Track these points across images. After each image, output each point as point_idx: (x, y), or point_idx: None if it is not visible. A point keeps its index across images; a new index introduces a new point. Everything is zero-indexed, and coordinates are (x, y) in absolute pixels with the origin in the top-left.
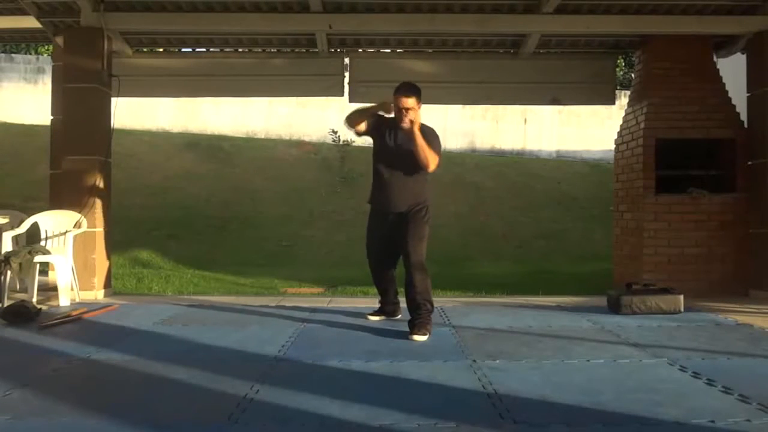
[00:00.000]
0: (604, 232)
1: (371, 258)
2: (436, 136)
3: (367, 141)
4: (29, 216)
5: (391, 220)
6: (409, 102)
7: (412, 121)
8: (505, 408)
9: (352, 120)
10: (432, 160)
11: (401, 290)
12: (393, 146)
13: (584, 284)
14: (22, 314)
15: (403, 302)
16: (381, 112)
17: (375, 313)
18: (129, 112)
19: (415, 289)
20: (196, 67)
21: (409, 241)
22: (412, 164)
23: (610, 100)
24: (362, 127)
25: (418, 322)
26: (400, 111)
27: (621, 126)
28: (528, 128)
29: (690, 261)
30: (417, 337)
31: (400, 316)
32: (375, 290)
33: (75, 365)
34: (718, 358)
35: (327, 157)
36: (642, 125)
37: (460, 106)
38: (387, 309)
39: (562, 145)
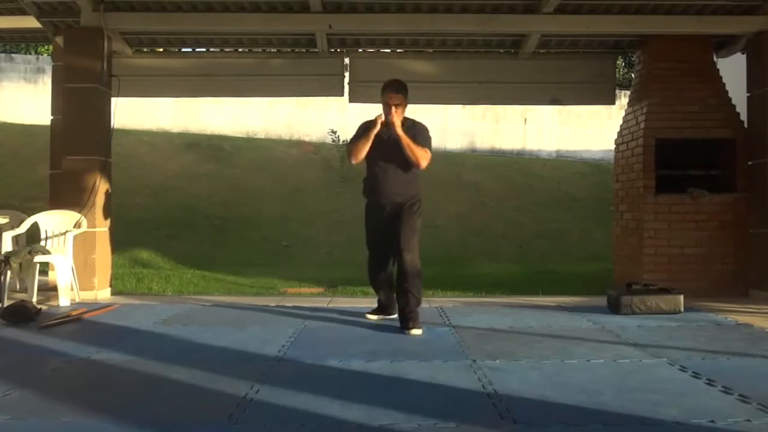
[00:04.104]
0: (604, 232)
1: (372, 251)
2: (426, 131)
3: None
4: (29, 216)
5: (387, 212)
6: (397, 99)
7: (394, 123)
8: (505, 408)
9: (355, 153)
10: (422, 158)
11: None
12: (385, 140)
13: (584, 284)
14: (22, 314)
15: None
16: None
17: (374, 312)
18: (129, 112)
19: (407, 283)
20: (196, 67)
21: (402, 235)
22: (405, 158)
23: (610, 100)
24: (365, 154)
25: (411, 316)
26: (389, 107)
27: (621, 126)
28: (528, 128)
29: (690, 261)
30: (414, 331)
31: (396, 315)
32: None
33: (75, 365)
34: (718, 358)
35: (327, 157)
36: (642, 125)
37: (460, 106)
38: (385, 307)
39: (562, 145)
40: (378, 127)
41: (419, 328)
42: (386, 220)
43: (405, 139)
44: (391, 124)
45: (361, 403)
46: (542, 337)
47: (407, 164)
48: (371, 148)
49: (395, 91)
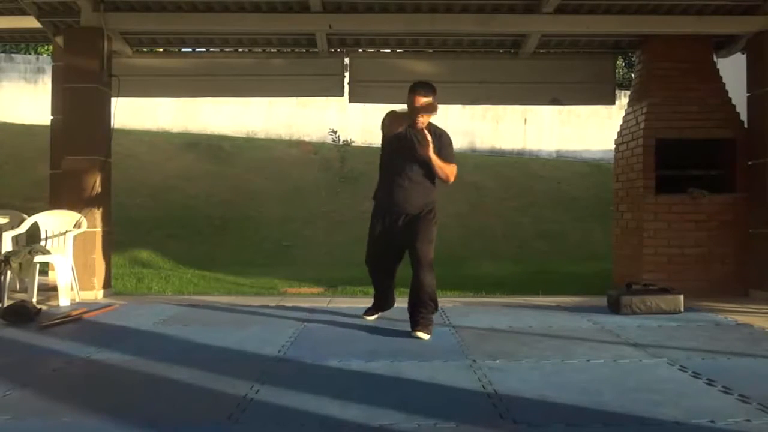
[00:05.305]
0: (604, 232)
1: (372, 258)
2: (451, 143)
3: (367, 141)
4: (29, 216)
5: (401, 221)
6: (424, 102)
7: (426, 151)
8: (505, 408)
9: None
10: (451, 174)
11: (401, 290)
12: (408, 148)
13: (584, 284)
14: (22, 314)
15: (401, 302)
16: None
17: (370, 313)
18: (129, 112)
19: (424, 288)
20: (196, 67)
21: (419, 242)
22: (426, 167)
23: (610, 100)
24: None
25: (422, 320)
26: (416, 111)
27: (621, 126)
28: (528, 128)
29: (690, 261)
30: (421, 334)
31: (393, 306)
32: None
33: (75, 365)
34: (718, 358)
35: (327, 157)
36: (642, 125)
37: (460, 106)
38: (381, 305)
39: (562, 145)
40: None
41: (427, 333)
42: (400, 229)
43: (436, 161)
44: (424, 151)
45: (361, 403)
46: (542, 337)
47: (427, 173)
48: (391, 155)
49: (425, 94)
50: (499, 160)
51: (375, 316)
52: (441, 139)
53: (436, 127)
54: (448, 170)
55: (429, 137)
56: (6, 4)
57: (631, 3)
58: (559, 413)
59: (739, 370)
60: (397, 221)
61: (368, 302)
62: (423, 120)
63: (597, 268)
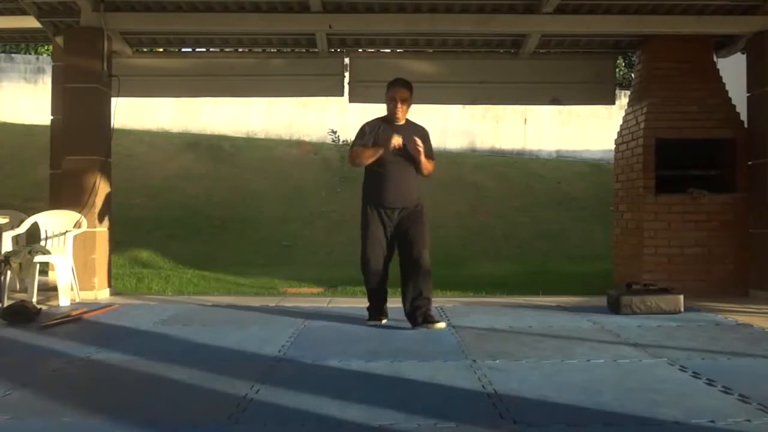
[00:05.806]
0: (604, 232)
1: (372, 258)
2: (429, 137)
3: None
4: (29, 216)
5: (397, 215)
6: (405, 94)
7: (418, 150)
8: (505, 408)
9: (359, 162)
10: (432, 169)
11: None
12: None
13: (584, 284)
14: (22, 314)
15: (400, 302)
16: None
17: (378, 318)
18: (129, 112)
19: (427, 287)
20: (196, 67)
21: (418, 246)
22: (413, 159)
23: (610, 100)
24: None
25: (430, 314)
26: (395, 102)
27: (621, 126)
28: (528, 128)
29: (690, 261)
30: (440, 325)
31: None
32: None
33: (75, 365)
34: (718, 358)
35: (327, 157)
36: (642, 125)
37: (460, 106)
38: (381, 307)
39: (562, 145)
40: (391, 148)
41: (443, 322)
42: (395, 223)
43: (424, 162)
44: (416, 154)
45: (361, 403)
46: (542, 337)
47: (414, 165)
48: (381, 146)
49: (404, 87)
50: (499, 160)
51: (386, 320)
52: (424, 136)
53: (415, 124)
54: (430, 167)
55: (421, 144)
56: (6, 4)
57: (631, 3)
58: (559, 413)
59: (739, 370)
60: (392, 215)
61: (367, 302)
62: (401, 114)
63: (597, 268)
